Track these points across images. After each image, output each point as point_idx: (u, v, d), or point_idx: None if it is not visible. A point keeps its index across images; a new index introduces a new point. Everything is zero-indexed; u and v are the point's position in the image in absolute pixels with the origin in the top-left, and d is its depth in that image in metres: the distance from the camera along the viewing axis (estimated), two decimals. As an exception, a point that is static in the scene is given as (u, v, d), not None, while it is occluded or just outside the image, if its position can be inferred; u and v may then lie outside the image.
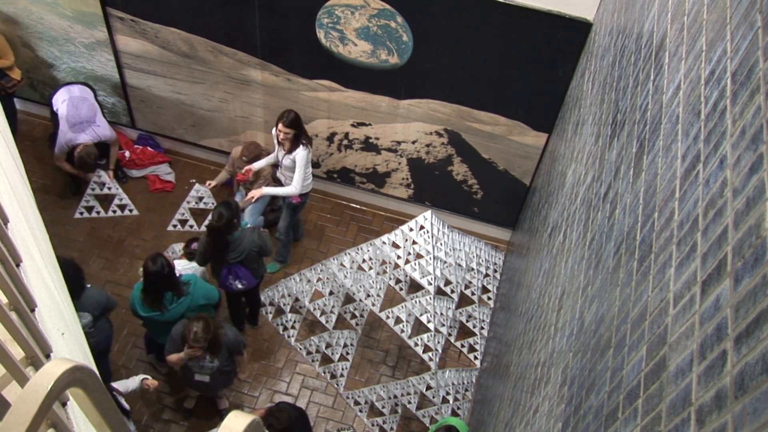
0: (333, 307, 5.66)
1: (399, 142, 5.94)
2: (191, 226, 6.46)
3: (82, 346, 2.83)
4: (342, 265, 5.29)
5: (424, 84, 5.38)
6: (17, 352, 1.64)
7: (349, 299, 5.66)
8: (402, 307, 5.01)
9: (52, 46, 6.26)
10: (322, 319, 5.62)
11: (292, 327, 5.84)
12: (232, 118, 6.34)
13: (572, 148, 3.96)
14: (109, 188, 6.40)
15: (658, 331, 1.61)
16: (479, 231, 6.43)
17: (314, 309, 5.64)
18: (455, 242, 5.46)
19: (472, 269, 5.76)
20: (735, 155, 1.42)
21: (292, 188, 5.37)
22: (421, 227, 4.89)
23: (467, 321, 5.79)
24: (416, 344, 4.96)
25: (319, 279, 5.63)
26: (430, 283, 4.82)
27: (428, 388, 5.00)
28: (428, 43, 5.08)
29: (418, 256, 4.91)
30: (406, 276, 5.48)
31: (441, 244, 5.12)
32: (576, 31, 4.59)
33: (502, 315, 5.20)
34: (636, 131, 2.41)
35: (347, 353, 5.65)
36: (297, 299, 5.80)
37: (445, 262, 5.20)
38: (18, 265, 1.96)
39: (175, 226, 6.45)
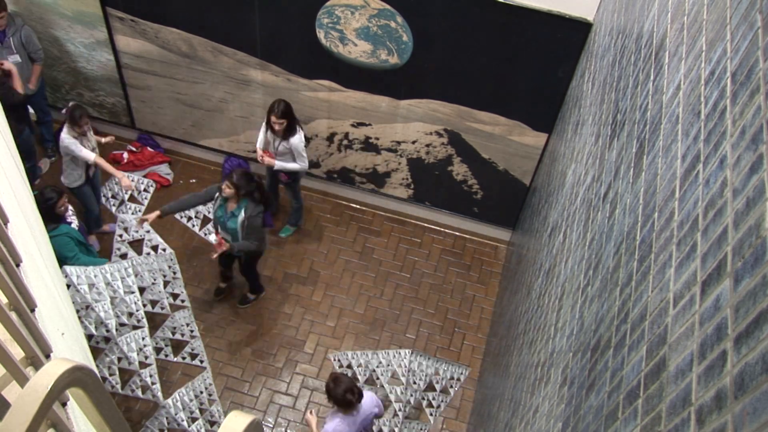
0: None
1: (399, 142, 5.94)
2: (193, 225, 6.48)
3: (82, 346, 2.83)
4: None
5: (424, 84, 5.38)
6: (17, 352, 1.64)
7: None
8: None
9: (52, 46, 6.26)
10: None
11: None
12: (232, 118, 6.34)
13: (572, 148, 3.96)
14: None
15: (658, 331, 1.61)
16: (479, 231, 6.43)
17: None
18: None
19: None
20: (735, 155, 1.42)
21: (301, 165, 5.66)
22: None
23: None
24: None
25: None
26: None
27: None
28: (428, 43, 5.08)
29: None
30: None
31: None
32: (576, 31, 4.59)
33: (502, 317, 5.20)
34: (636, 131, 2.41)
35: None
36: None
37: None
38: (18, 265, 1.96)
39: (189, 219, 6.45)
